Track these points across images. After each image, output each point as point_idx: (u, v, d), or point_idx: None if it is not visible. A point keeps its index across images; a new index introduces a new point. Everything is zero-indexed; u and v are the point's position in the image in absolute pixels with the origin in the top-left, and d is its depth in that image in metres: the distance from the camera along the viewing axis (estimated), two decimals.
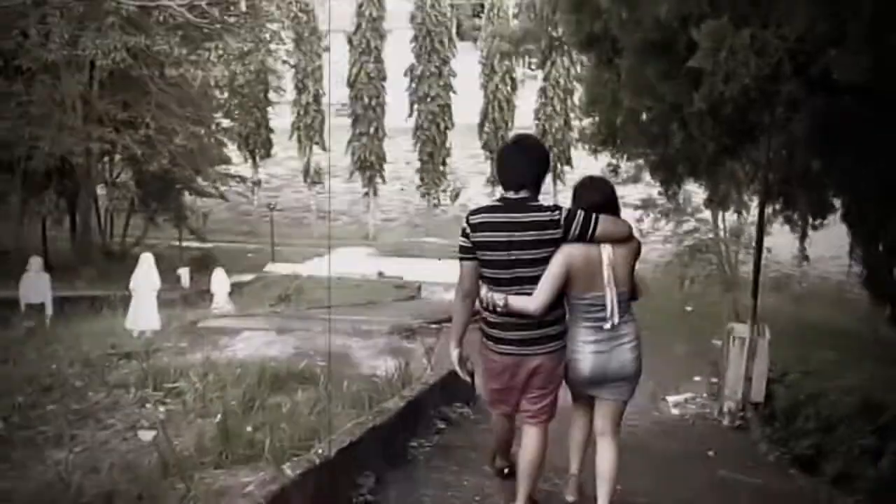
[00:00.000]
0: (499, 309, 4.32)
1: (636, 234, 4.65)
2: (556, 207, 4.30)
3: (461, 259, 4.42)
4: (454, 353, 4.56)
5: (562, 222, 4.24)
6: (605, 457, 4.60)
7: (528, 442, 4.57)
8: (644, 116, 6.75)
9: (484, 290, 4.39)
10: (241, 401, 7.89)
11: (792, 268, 29.85)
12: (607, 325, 4.35)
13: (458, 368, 4.60)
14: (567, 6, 8.26)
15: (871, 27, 4.41)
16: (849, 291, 25.56)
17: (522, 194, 4.35)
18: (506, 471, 5.10)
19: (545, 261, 4.27)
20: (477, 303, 4.49)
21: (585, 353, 4.40)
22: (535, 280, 4.27)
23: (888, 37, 4.47)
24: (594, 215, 4.30)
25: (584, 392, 4.65)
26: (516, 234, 4.25)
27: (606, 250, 4.33)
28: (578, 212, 4.30)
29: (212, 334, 13.77)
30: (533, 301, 4.25)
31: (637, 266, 4.54)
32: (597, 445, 4.66)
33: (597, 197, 4.47)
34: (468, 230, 4.34)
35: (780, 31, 4.84)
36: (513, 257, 4.27)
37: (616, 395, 4.58)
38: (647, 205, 24.52)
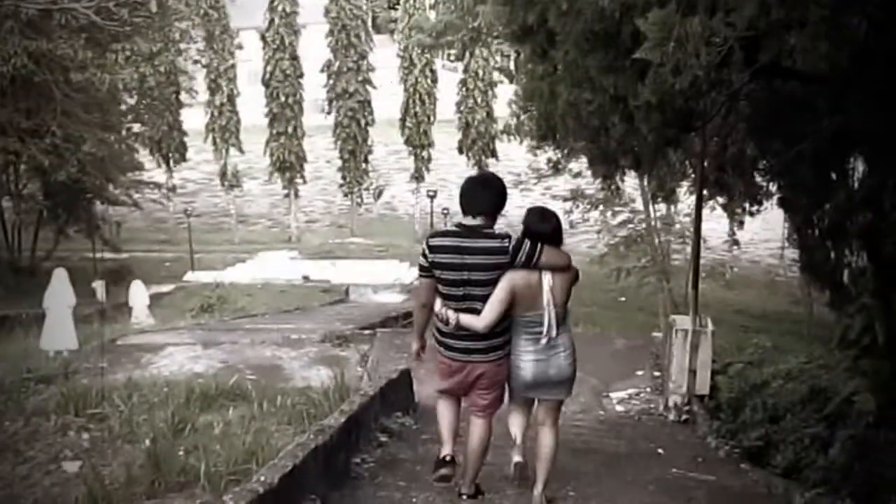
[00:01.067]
0: (451, 325, 4.97)
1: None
2: (506, 236, 4.93)
3: (420, 275, 5.19)
4: (414, 346, 5.47)
5: (510, 250, 4.88)
6: (545, 442, 5.29)
7: (475, 430, 5.26)
8: (584, 110, 6.58)
9: (438, 305, 5.06)
10: (169, 423, 7.56)
11: (723, 253, 30.20)
12: (544, 340, 5.02)
13: (412, 357, 5.55)
14: None
15: (832, 11, 4.31)
16: (780, 275, 26.09)
17: (478, 221, 4.95)
18: (444, 471, 5.28)
19: (494, 282, 4.89)
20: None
21: (527, 361, 5.07)
22: (484, 298, 4.91)
23: (847, 21, 4.37)
24: (539, 246, 4.93)
25: (526, 395, 5.36)
26: (469, 257, 4.88)
27: (547, 276, 4.97)
28: (525, 241, 4.93)
29: (133, 351, 13.19)
30: (480, 321, 4.91)
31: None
32: (538, 434, 5.35)
33: (544, 227, 5.09)
34: (427, 251, 5.01)
35: (727, 18, 4.70)
36: (465, 277, 4.91)
37: (555, 396, 5.32)
38: (575, 196, 24.54)
